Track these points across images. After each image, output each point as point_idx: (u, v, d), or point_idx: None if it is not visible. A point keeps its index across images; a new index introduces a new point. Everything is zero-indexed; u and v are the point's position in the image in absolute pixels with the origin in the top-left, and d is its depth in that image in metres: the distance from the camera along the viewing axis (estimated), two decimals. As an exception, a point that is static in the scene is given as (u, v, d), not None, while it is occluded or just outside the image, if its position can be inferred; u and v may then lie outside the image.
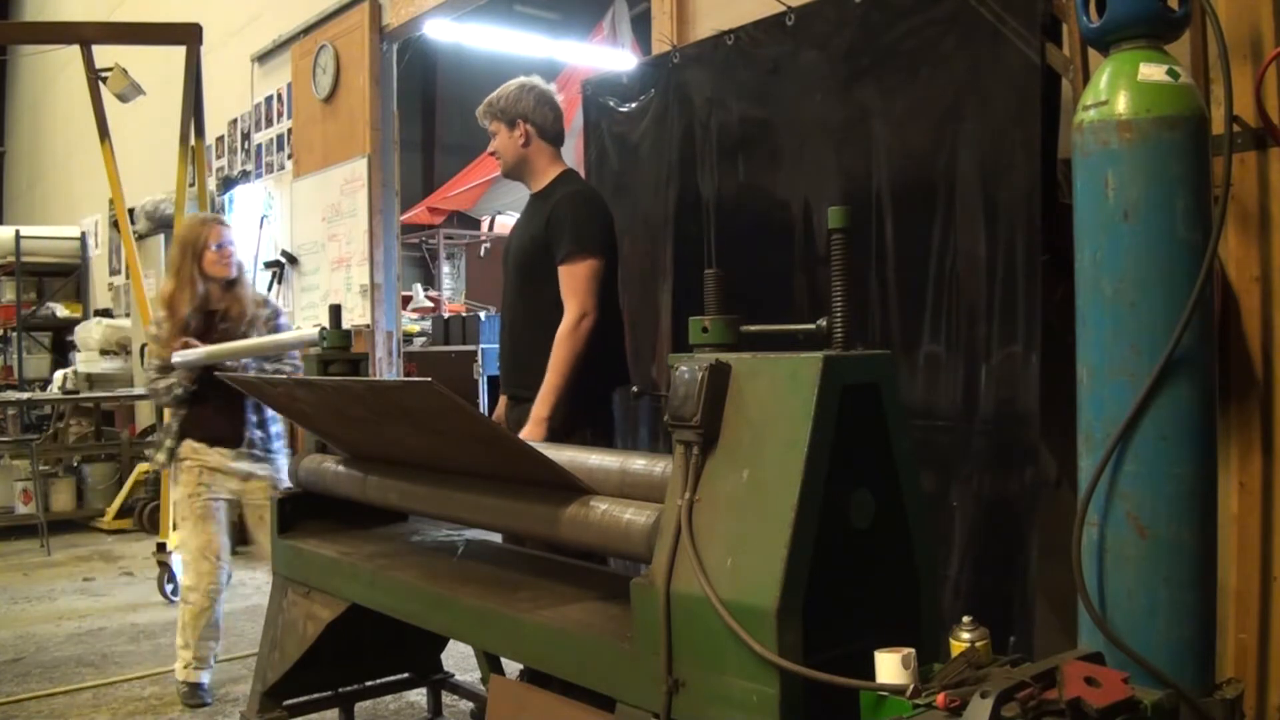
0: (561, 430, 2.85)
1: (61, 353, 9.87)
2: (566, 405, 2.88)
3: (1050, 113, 2.46)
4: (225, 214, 7.23)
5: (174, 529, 4.57)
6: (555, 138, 3.13)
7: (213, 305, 3.58)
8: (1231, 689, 1.87)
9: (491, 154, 3.19)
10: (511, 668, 2.21)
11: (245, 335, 3.56)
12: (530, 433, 2.83)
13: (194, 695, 3.53)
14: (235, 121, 7.23)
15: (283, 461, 3.64)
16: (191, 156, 5.45)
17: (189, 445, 3.55)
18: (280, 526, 2.82)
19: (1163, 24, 1.83)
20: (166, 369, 3.49)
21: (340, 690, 2.99)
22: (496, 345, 3.79)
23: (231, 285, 3.59)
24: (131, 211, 6.32)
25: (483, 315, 7.20)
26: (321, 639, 2.62)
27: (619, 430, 3.34)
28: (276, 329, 3.66)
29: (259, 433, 3.62)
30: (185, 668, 3.53)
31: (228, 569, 3.60)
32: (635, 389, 3.51)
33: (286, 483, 3.57)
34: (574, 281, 2.90)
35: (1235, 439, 2.17)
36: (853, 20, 2.85)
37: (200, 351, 3.45)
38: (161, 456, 3.62)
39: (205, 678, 3.56)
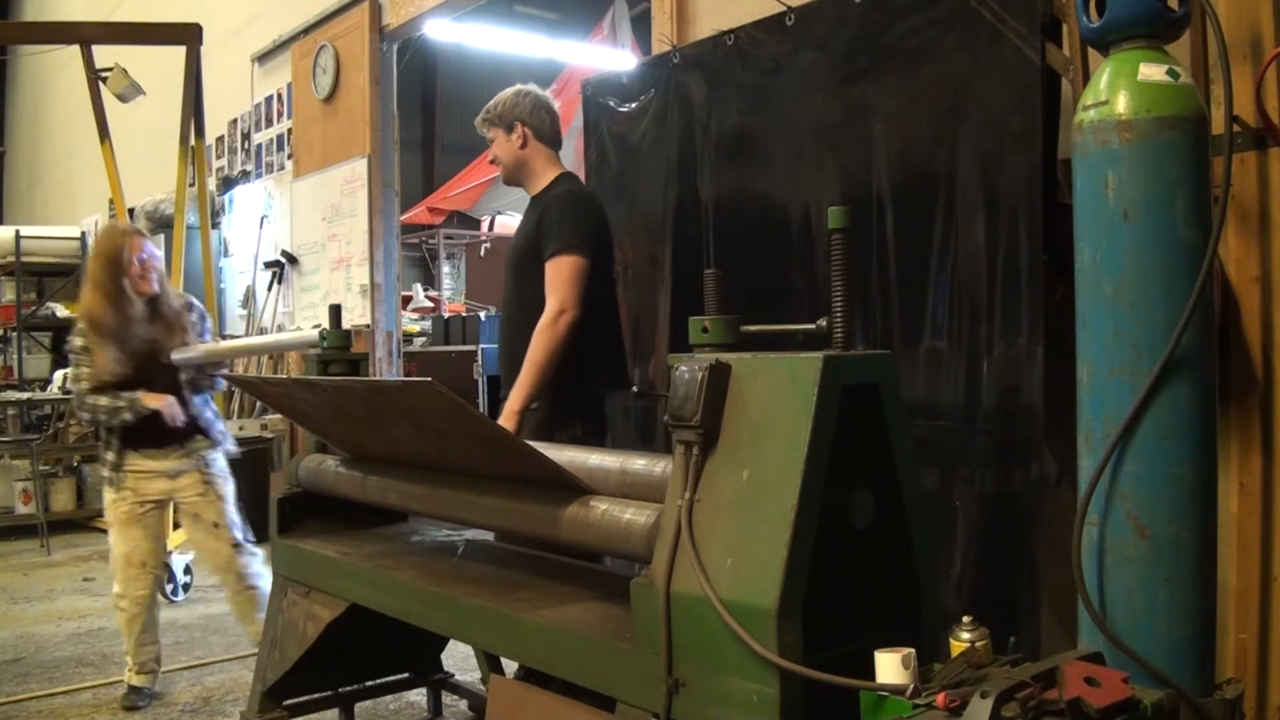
0: (544, 426, 2.84)
1: (61, 353, 9.86)
2: (550, 402, 2.87)
3: (1050, 113, 2.46)
4: (225, 214, 7.25)
5: (175, 529, 4.58)
6: (552, 140, 3.13)
7: (136, 324, 3.42)
8: (1231, 689, 1.87)
9: (492, 161, 3.23)
10: (511, 668, 2.21)
11: (184, 343, 3.48)
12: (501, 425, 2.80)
13: (129, 698, 3.54)
14: (235, 121, 7.24)
15: (221, 434, 3.61)
16: (191, 156, 5.46)
17: (132, 458, 3.47)
18: (280, 526, 2.82)
19: (1163, 24, 1.83)
20: (100, 390, 3.37)
21: (340, 690, 2.99)
22: (496, 345, 3.79)
23: (154, 300, 3.48)
24: (131, 211, 6.33)
25: (483, 315, 7.21)
26: (321, 639, 2.62)
27: (619, 430, 3.34)
28: (202, 333, 3.60)
29: (199, 419, 3.53)
30: (128, 671, 3.57)
31: (167, 573, 3.52)
32: (635, 389, 3.51)
33: (220, 460, 3.59)
34: (556, 277, 2.89)
35: (1235, 439, 2.17)
36: (853, 20, 2.85)
37: (199, 349, 3.49)
38: (106, 473, 3.49)
39: (147, 684, 3.58)
